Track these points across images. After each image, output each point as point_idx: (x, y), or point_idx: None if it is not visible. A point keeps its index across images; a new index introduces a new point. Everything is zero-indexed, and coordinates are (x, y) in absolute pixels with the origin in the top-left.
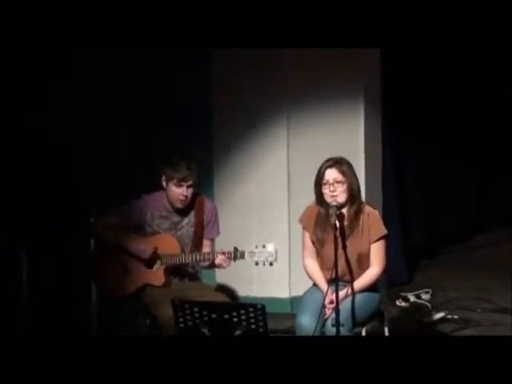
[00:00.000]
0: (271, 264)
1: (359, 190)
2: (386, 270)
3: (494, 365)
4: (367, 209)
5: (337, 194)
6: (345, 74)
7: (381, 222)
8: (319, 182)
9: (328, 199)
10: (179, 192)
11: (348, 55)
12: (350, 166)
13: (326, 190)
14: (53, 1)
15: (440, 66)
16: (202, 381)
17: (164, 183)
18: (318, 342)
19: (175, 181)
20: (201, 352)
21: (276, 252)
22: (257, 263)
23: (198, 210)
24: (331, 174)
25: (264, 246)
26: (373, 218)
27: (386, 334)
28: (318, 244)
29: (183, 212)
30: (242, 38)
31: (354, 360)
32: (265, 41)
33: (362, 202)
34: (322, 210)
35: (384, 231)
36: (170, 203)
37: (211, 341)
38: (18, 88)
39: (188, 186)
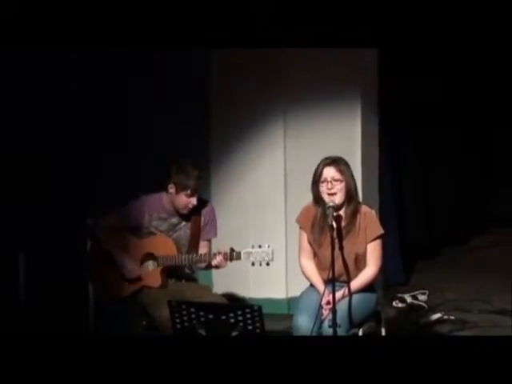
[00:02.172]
0: (268, 264)
1: (356, 190)
2: (383, 270)
3: (490, 365)
4: (364, 208)
5: (334, 191)
6: (342, 75)
7: (377, 222)
8: (317, 181)
9: (325, 197)
10: (189, 201)
11: (345, 55)
12: (347, 165)
13: (323, 188)
14: (53, 1)
15: (438, 66)
16: (199, 382)
17: (172, 190)
18: (315, 343)
19: (189, 192)
20: (198, 353)
21: (272, 252)
22: (253, 263)
23: (196, 212)
24: (329, 172)
25: (260, 246)
26: (369, 218)
27: (383, 334)
28: (315, 244)
29: (184, 215)
30: (241, 37)
31: (351, 360)
32: (264, 41)
33: (358, 202)
34: (320, 210)
35: (380, 231)
36: (175, 208)
37: (208, 341)
38: (17, 87)
39: (197, 195)
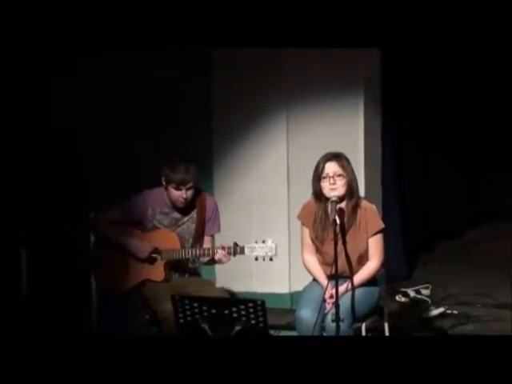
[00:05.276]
0: (271, 259)
1: (357, 185)
2: (385, 264)
3: (494, 363)
4: (364, 203)
5: (336, 187)
6: (345, 72)
7: (378, 216)
8: (318, 176)
9: (327, 193)
10: (179, 194)
11: (348, 53)
12: (347, 160)
13: (325, 184)
14: (53, 1)
15: (440, 66)
16: (202, 379)
17: (164, 184)
18: (318, 340)
19: (174, 184)
20: (201, 350)
21: (276, 247)
22: (256, 258)
23: (199, 207)
24: (331, 168)
25: (264, 241)
26: (370, 213)
27: (386, 329)
28: (318, 241)
29: (184, 209)
30: (242, 37)
31: (353, 358)
32: (265, 41)
33: (359, 197)
34: (321, 206)
35: (381, 225)
36: (171, 202)
37: (211, 338)
38: (18, 85)
39: (188, 188)
